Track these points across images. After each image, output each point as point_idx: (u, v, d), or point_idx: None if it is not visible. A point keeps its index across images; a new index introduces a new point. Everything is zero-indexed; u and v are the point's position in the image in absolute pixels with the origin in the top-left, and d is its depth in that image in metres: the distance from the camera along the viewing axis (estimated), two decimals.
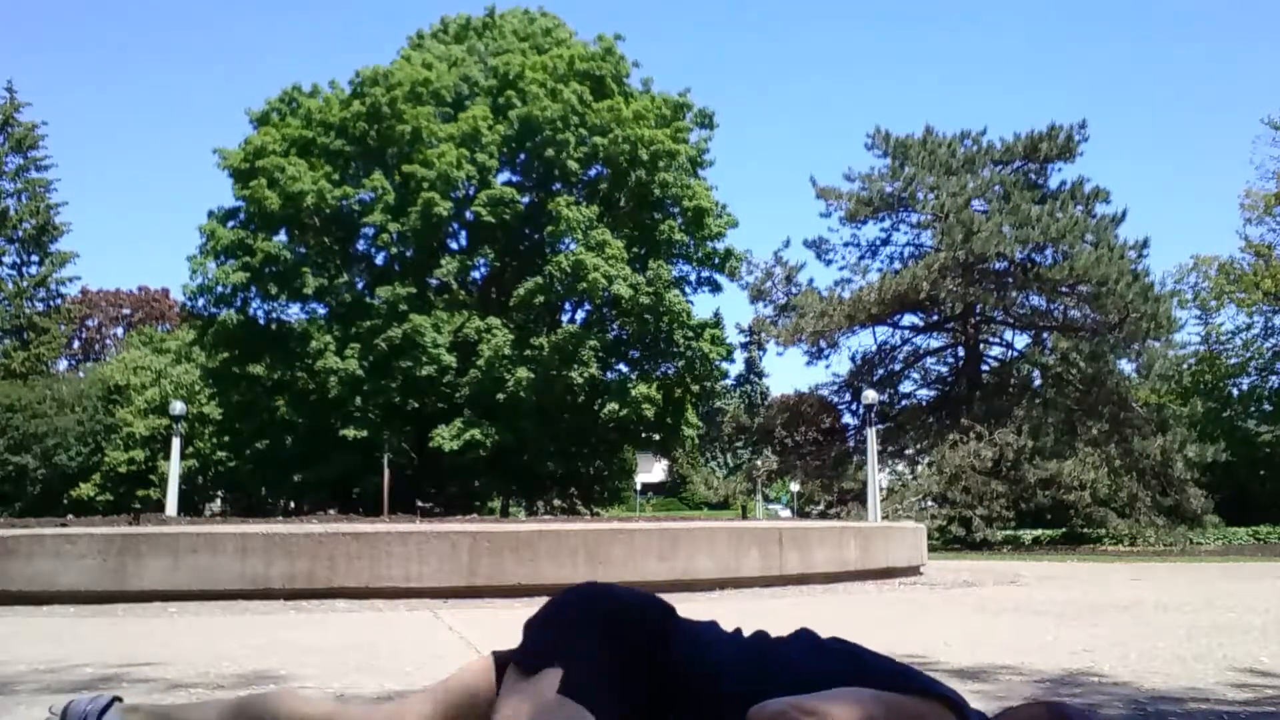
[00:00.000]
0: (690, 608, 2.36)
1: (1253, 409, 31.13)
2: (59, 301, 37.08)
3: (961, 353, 28.18)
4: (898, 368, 28.64)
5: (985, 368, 27.89)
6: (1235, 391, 32.36)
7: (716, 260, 28.66)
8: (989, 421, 23.98)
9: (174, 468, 21.70)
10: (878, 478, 21.70)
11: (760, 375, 61.43)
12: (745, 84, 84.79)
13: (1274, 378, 31.44)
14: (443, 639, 4.42)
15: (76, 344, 48.98)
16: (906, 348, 28.75)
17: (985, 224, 24.09)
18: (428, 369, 24.99)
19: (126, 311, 51.21)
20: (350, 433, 25.22)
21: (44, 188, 35.69)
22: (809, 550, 8.24)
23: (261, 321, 27.87)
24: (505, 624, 5.11)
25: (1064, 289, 25.08)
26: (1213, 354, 32.69)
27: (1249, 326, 31.50)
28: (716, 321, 28.63)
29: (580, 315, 28.28)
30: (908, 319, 27.60)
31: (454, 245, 27.77)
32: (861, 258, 27.77)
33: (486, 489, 29.05)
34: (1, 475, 32.00)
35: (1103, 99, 71.61)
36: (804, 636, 1.90)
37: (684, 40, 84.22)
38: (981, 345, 27.79)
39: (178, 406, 22.58)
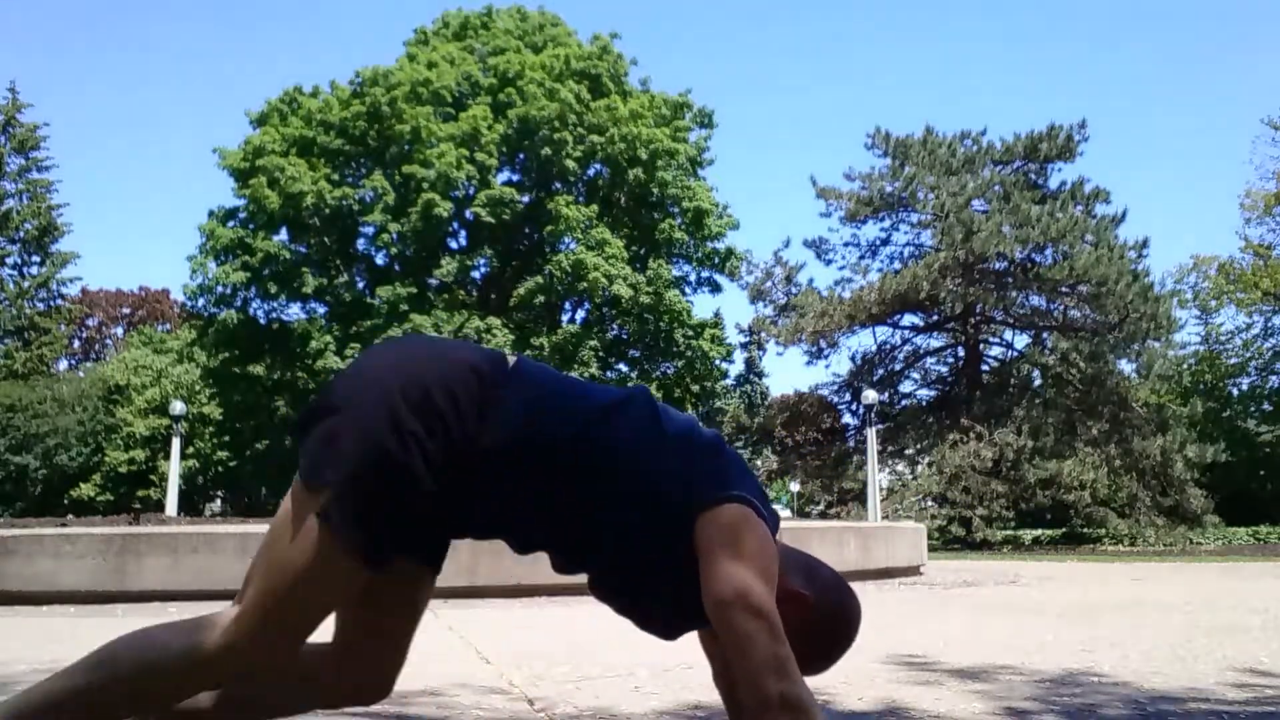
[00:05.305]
0: None
1: (1253, 409, 31.13)
2: (60, 302, 37.03)
3: (961, 353, 28.19)
4: (898, 368, 28.65)
5: (985, 368, 27.90)
6: (1235, 391, 32.36)
7: (716, 260, 28.64)
8: (989, 421, 23.99)
9: (174, 468, 21.74)
10: (878, 478, 21.72)
11: (760, 375, 61.18)
12: (745, 84, 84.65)
13: (1274, 378, 31.44)
14: (443, 639, 4.41)
15: (77, 344, 48.93)
16: (906, 348, 28.77)
17: (985, 224, 24.11)
18: None
19: (126, 311, 51.17)
20: None
21: (46, 189, 35.61)
22: (808, 550, 8.21)
23: (261, 321, 27.87)
24: (505, 624, 5.11)
25: (1064, 289, 25.10)
26: (1213, 354, 32.68)
27: (1249, 326, 31.52)
28: (716, 321, 28.63)
29: (580, 315, 28.28)
30: (908, 319, 27.64)
31: (454, 245, 27.77)
32: (861, 258, 27.82)
33: None
34: (2, 475, 31.95)
35: (1103, 99, 71.49)
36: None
37: (684, 40, 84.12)
38: (981, 345, 27.80)
39: (178, 406, 22.62)
